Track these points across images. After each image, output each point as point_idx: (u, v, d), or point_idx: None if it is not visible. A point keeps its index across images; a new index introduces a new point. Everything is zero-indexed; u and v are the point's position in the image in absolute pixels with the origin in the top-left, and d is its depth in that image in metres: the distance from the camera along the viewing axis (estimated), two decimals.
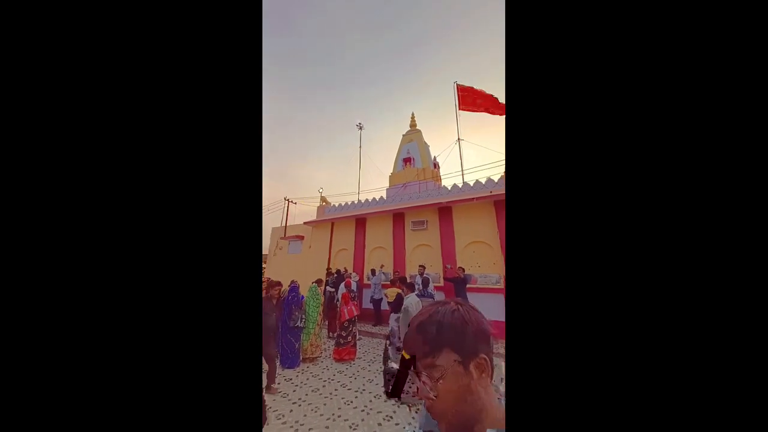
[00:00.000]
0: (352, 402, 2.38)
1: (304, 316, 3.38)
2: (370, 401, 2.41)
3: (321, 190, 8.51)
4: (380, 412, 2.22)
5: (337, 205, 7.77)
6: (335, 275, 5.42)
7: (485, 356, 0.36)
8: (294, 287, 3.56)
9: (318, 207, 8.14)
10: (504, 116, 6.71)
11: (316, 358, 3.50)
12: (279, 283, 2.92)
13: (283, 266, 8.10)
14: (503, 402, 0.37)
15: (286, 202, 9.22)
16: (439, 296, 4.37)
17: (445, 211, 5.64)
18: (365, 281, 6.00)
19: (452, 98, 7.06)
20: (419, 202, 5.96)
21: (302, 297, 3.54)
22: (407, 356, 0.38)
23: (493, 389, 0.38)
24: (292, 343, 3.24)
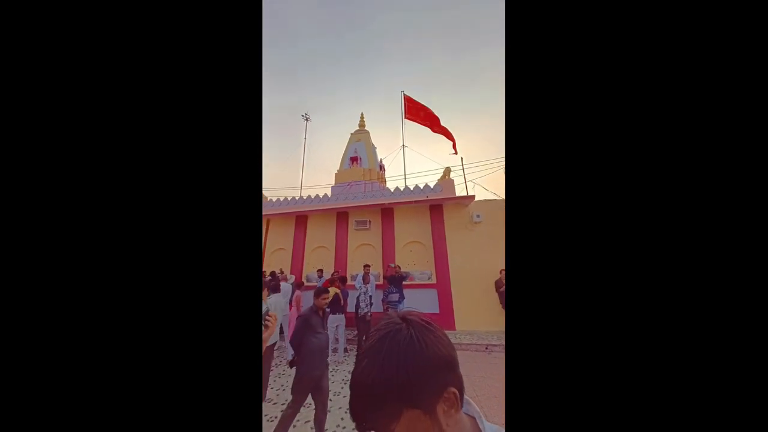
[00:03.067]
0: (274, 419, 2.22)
1: None
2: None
3: None
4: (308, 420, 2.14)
5: (274, 199, 7.05)
6: (270, 278, 4.90)
7: (453, 388, 0.29)
8: None
9: None
10: (435, 131, 7.39)
11: None
12: (326, 289, 2.04)
13: None
14: (482, 420, 0.34)
15: None
16: (378, 295, 4.54)
17: (387, 212, 5.90)
18: (306, 283, 5.67)
19: (399, 106, 7.46)
20: (364, 202, 6.05)
21: None
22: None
23: (464, 416, 0.33)
24: None
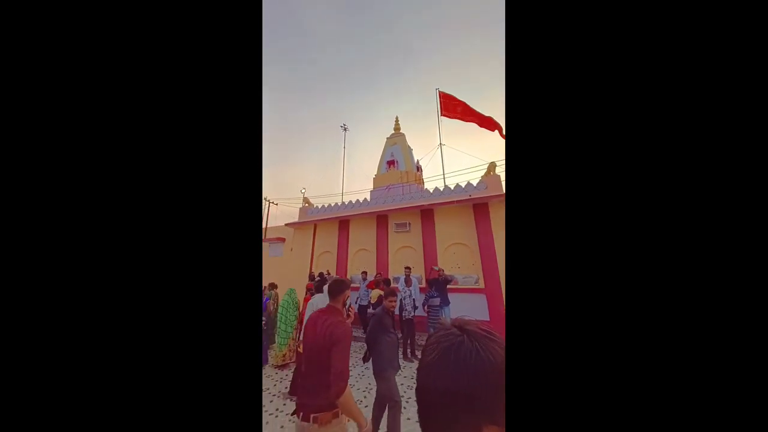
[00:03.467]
0: None
1: (265, 319, 3.48)
2: None
3: (303, 191, 8.30)
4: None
5: (320, 206, 7.63)
6: (318, 279, 5.28)
7: None
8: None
9: (300, 208, 7.94)
10: (481, 127, 6.96)
11: (288, 364, 3.40)
12: (394, 291, 2.05)
13: (264, 269, 7.77)
14: None
15: (267, 203, 8.90)
16: (421, 298, 4.43)
17: (427, 214, 5.77)
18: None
19: (435, 104, 7.28)
20: (402, 204, 6.04)
21: (267, 299, 3.64)
22: None
23: None
24: None
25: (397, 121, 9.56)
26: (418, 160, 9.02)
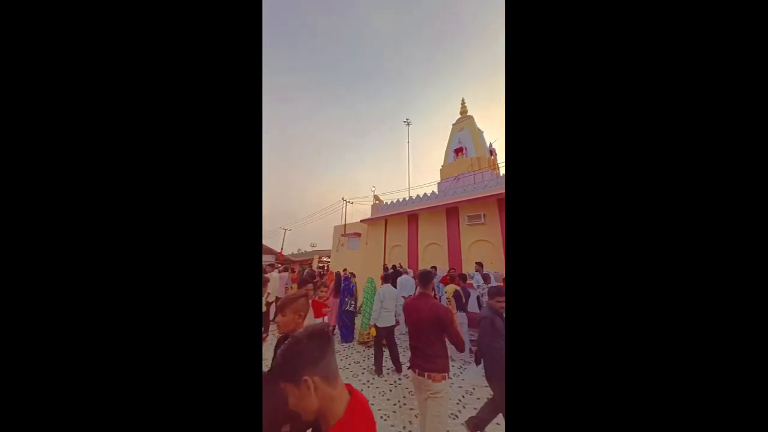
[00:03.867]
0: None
1: (353, 302, 4.23)
2: None
3: (374, 189, 8.98)
4: None
5: (389, 202, 8.05)
6: (390, 271, 5.62)
7: None
8: (346, 277, 4.52)
9: (372, 205, 8.63)
10: None
11: (369, 342, 3.84)
12: (501, 290, 1.73)
13: (344, 261, 9.00)
14: None
15: (344, 202, 10.16)
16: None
17: (505, 203, 5.09)
18: None
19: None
20: (474, 195, 5.58)
21: (353, 286, 4.37)
22: None
23: None
24: (347, 324, 4.11)
25: (463, 103, 8.78)
26: (491, 143, 8.03)
